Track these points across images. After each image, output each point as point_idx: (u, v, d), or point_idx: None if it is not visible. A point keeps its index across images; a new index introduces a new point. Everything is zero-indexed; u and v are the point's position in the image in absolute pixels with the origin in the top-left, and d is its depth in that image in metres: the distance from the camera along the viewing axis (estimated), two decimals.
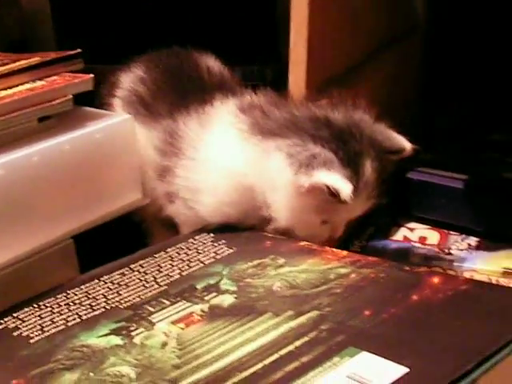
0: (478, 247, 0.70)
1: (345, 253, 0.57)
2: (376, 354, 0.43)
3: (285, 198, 0.60)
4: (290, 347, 0.46)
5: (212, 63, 0.73)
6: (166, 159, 0.66)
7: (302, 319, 0.49)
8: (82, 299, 0.57)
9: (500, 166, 0.75)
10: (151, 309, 0.54)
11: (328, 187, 0.57)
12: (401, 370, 0.42)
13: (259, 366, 0.45)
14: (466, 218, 0.70)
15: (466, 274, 0.66)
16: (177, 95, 0.69)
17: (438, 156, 0.77)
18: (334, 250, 0.58)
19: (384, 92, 0.81)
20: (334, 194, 0.57)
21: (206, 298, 0.54)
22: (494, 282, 0.66)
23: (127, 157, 0.65)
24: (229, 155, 0.63)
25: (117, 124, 0.64)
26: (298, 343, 0.46)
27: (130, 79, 0.74)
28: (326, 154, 0.58)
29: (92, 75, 0.64)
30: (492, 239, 0.70)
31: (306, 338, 0.46)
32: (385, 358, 0.43)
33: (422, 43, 0.93)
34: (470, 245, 0.71)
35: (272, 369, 0.44)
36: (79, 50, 0.66)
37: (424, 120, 0.90)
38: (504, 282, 0.65)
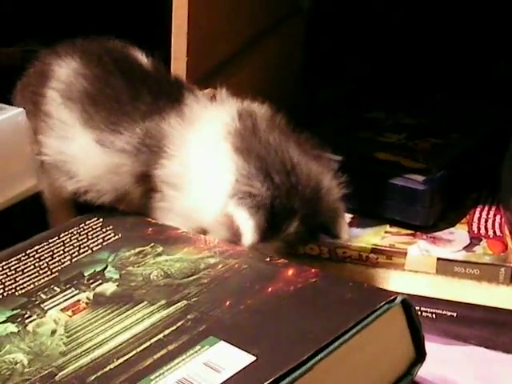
0: (351, 224, 0.75)
1: (216, 242, 0.62)
2: (231, 344, 0.49)
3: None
4: (160, 336, 0.52)
5: (143, 57, 0.70)
6: (147, 160, 0.66)
7: (172, 309, 0.55)
8: None
9: (372, 146, 0.81)
10: (43, 296, 0.60)
11: (237, 227, 0.60)
12: (249, 359, 0.48)
13: (132, 353, 0.51)
14: None
15: (339, 251, 0.72)
16: (131, 93, 0.66)
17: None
18: (208, 238, 0.63)
19: (270, 73, 0.85)
20: (236, 236, 0.61)
21: (91, 285, 0.60)
22: (364, 258, 0.72)
23: (22, 147, 0.70)
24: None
25: (12, 117, 0.69)
26: (166, 332, 0.52)
27: (66, 71, 0.69)
28: (263, 199, 0.60)
29: None
30: (364, 216, 0.76)
31: (173, 327, 0.53)
32: (237, 347, 0.49)
33: (305, 23, 0.97)
34: None
35: (143, 356, 0.50)
36: None
37: (309, 98, 0.96)
38: (373, 257, 0.72)
